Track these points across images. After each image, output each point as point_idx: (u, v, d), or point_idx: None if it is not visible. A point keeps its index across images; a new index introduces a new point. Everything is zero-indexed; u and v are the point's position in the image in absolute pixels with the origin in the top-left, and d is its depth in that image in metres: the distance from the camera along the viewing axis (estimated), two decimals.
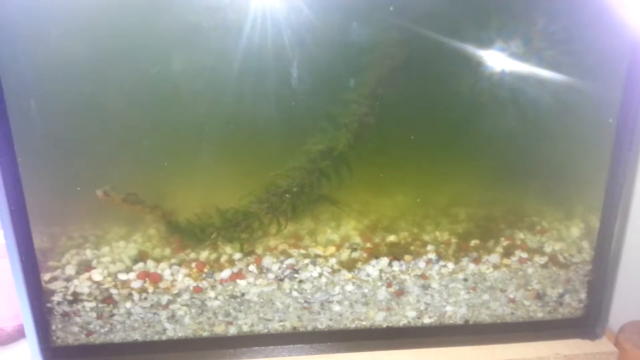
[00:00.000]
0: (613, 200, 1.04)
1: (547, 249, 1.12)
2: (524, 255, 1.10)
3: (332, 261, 1.07)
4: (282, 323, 1.07)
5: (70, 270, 1.01)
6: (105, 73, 0.93)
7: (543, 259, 1.10)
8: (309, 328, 1.08)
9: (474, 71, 0.99)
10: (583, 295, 1.12)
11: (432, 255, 1.08)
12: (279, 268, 1.05)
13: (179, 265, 1.04)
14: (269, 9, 0.90)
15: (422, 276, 1.07)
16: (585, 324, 1.12)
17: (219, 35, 0.91)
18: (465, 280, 1.08)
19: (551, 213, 1.16)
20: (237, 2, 0.89)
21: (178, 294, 1.02)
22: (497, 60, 0.98)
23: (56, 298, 1.00)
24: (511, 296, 1.10)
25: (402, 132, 1.04)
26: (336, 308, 1.07)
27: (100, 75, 0.93)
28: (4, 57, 0.87)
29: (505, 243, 1.12)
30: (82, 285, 1.00)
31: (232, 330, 1.06)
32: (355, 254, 1.08)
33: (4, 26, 0.87)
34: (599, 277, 1.09)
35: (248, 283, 1.03)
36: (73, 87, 0.94)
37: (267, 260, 1.05)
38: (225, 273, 1.03)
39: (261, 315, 1.05)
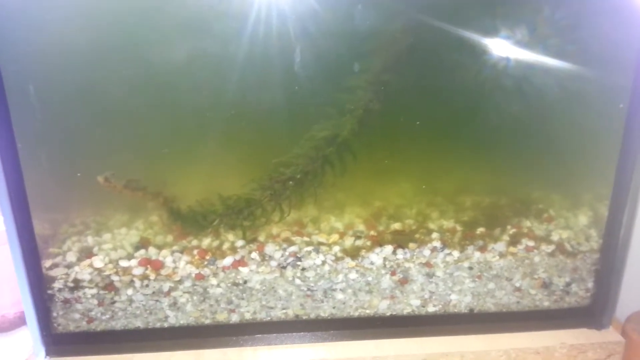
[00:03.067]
0: (622, 188, 1.03)
1: (554, 237, 1.10)
2: (531, 243, 1.09)
3: (336, 249, 1.05)
4: (284, 311, 1.06)
5: (71, 257, 1.01)
6: (105, 59, 0.92)
7: (550, 248, 1.09)
8: (312, 316, 1.07)
9: (480, 58, 0.97)
10: (590, 284, 1.11)
11: (437, 243, 1.07)
12: (282, 256, 1.04)
13: (181, 252, 1.03)
14: None
15: (427, 264, 1.06)
16: (592, 313, 1.11)
17: (222, 21, 0.90)
18: (471, 268, 1.07)
19: (559, 201, 1.14)
20: None
21: (180, 281, 1.01)
22: (503, 47, 0.96)
23: (57, 285, 0.99)
24: (517, 285, 1.09)
25: (407, 119, 1.02)
26: (339, 296, 1.06)
27: (100, 62, 0.92)
28: (4, 44, 0.86)
29: (511, 231, 1.10)
30: (83, 272, 1.00)
31: (234, 318, 1.05)
32: (359, 242, 1.07)
33: (3, 14, 0.86)
34: (607, 266, 1.08)
35: (250, 270, 1.02)
36: (73, 73, 0.93)
37: (269, 248, 1.04)
38: (228, 260, 1.02)
39: (263, 302, 1.05)
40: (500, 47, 0.97)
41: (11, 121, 0.90)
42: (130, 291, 1.00)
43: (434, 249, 1.07)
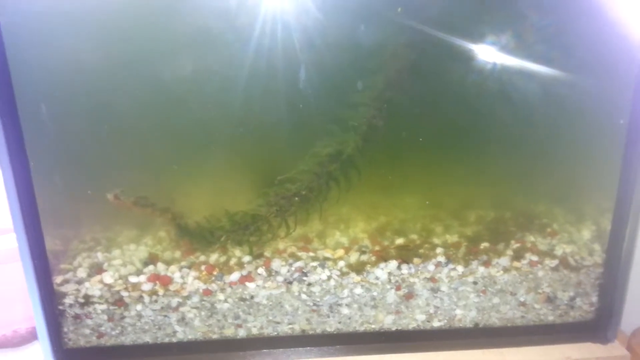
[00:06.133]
0: (625, 202, 1.03)
1: (558, 251, 1.11)
2: (535, 258, 1.10)
3: (341, 264, 1.07)
4: (291, 326, 1.07)
5: (81, 273, 1.03)
6: (116, 76, 0.94)
7: (554, 262, 1.09)
8: (318, 331, 1.08)
9: (482, 73, 0.99)
10: (594, 299, 1.11)
11: (442, 258, 1.08)
12: (288, 271, 1.05)
13: (189, 268, 1.05)
14: (276, 12, 0.90)
15: (432, 279, 1.07)
16: (596, 327, 1.11)
17: (228, 39, 0.92)
18: (475, 283, 1.08)
19: (562, 215, 1.15)
20: (246, 5, 0.90)
21: (188, 297, 1.03)
22: (502, 60, 0.98)
23: (68, 300, 1.01)
24: (521, 299, 1.10)
25: (410, 135, 1.03)
26: (345, 311, 1.07)
27: (111, 79, 0.94)
28: (16, 61, 0.88)
29: (515, 246, 1.11)
30: (93, 287, 1.02)
31: (242, 333, 1.06)
32: (364, 257, 1.08)
33: (16, 29, 0.88)
34: (611, 280, 1.08)
35: (257, 286, 1.04)
36: (84, 90, 0.95)
37: (276, 263, 1.06)
38: (235, 276, 1.04)
39: (270, 318, 1.06)
40: (501, 61, 0.98)
41: (24, 139, 0.92)
42: (139, 307, 1.02)
43: (438, 264, 1.08)
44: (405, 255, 1.08)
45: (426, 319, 1.09)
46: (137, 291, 1.02)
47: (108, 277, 1.02)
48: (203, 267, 1.05)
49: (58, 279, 1.01)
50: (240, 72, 0.93)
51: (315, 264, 1.06)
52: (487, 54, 0.98)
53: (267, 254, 1.07)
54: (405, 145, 1.04)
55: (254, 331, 1.07)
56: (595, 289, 1.10)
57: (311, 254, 1.08)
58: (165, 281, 1.03)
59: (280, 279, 1.05)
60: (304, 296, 1.05)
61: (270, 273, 1.05)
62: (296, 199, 1.03)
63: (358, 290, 1.06)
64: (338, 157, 1.01)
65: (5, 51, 0.87)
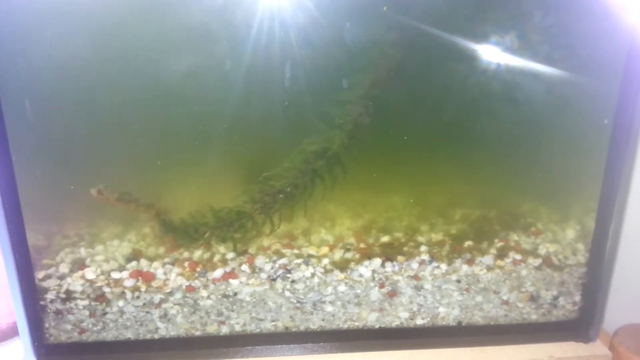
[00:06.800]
0: (609, 202, 1.04)
1: (542, 250, 1.11)
2: (518, 257, 1.10)
3: (325, 261, 1.07)
4: (274, 323, 1.07)
5: (64, 269, 1.02)
6: (100, 73, 0.94)
7: (537, 261, 1.10)
8: (302, 328, 1.08)
9: (468, 71, 0.99)
10: (577, 298, 1.11)
11: (425, 256, 1.08)
12: (272, 268, 1.05)
13: (172, 264, 1.04)
14: (262, 10, 0.90)
15: (415, 277, 1.07)
16: (579, 326, 1.11)
17: (213, 36, 0.92)
18: (459, 281, 1.08)
19: (547, 214, 1.15)
20: (232, 2, 0.90)
21: (171, 293, 1.02)
22: (490, 60, 0.98)
23: (49, 296, 1.01)
24: (505, 298, 1.10)
25: (396, 133, 1.03)
26: (329, 308, 1.07)
27: (95, 75, 0.94)
28: (1, 58, 0.88)
29: (499, 244, 1.11)
30: (75, 283, 1.01)
31: (225, 330, 1.06)
32: (348, 255, 1.08)
33: (2, 29, 0.87)
34: (594, 280, 1.09)
35: (240, 282, 1.04)
36: (68, 86, 0.94)
37: (260, 260, 1.05)
38: (218, 272, 1.03)
39: (253, 314, 1.06)
40: (487, 60, 0.98)
41: (7, 134, 0.91)
42: (121, 303, 1.02)
43: (422, 262, 1.08)
44: (389, 252, 1.08)
45: (409, 317, 1.09)
46: (119, 287, 1.01)
47: (90, 273, 1.02)
48: (186, 264, 1.04)
49: (40, 274, 1.01)
50: (225, 69, 0.93)
51: (299, 261, 1.06)
52: (473, 52, 0.97)
53: (251, 250, 1.07)
54: (390, 143, 1.04)
55: (237, 328, 1.06)
56: (578, 288, 1.11)
57: (295, 251, 1.08)
58: (148, 277, 1.02)
59: (263, 275, 1.04)
60: (287, 293, 1.05)
61: (254, 270, 1.05)
62: (281, 196, 1.03)
63: (342, 287, 1.06)
64: (324, 154, 1.01)
65: None
